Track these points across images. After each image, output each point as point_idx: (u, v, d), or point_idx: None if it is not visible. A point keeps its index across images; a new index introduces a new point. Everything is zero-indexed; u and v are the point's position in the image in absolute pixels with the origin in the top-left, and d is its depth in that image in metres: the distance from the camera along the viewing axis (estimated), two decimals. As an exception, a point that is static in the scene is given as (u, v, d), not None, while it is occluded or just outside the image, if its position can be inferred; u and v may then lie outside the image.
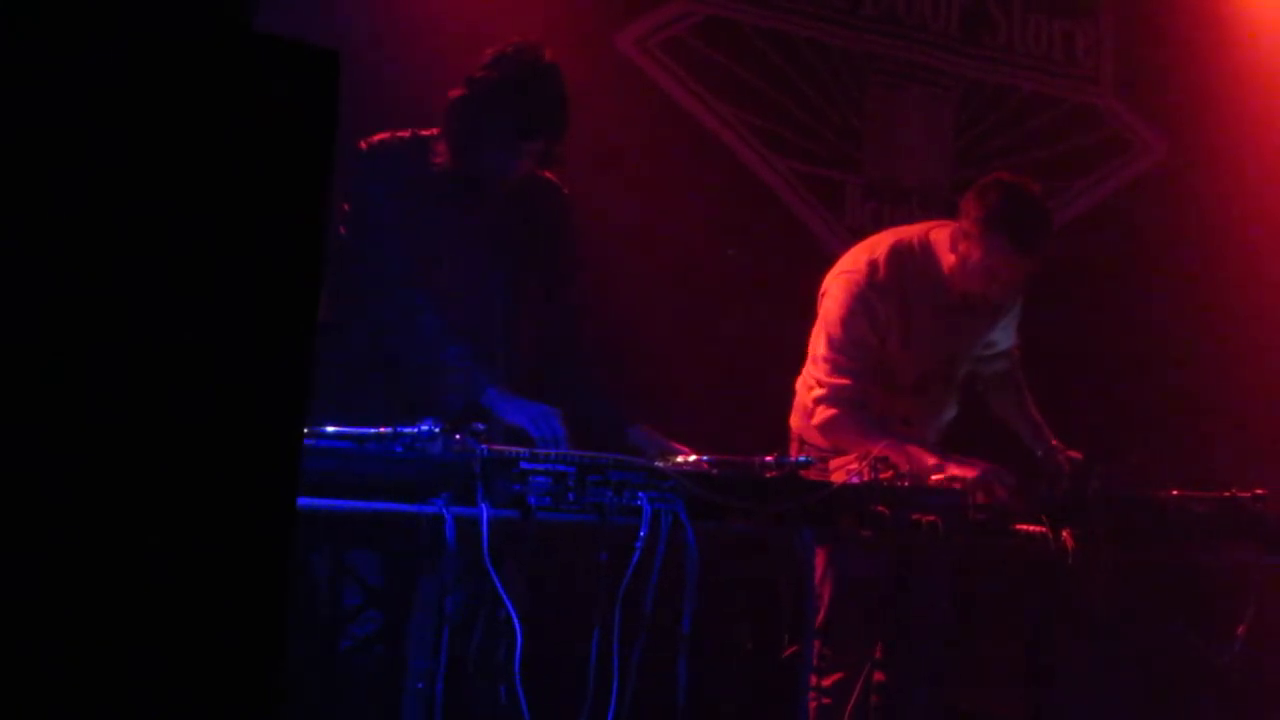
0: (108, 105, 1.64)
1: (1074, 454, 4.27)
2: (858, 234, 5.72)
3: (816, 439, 4.25)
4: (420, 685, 3.02)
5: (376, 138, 3.83)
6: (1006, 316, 4.50)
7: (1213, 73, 6.43)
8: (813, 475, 3.59)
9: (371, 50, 4.35)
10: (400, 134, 3.85)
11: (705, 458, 3.48)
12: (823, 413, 4.21)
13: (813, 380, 4.27)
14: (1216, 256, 6.23)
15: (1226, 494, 4.08)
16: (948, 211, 4.57)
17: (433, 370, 3.64)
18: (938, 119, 6.13)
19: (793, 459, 3.62)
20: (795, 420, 4.39)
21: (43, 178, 1.60)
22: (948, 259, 4.25)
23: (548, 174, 3.97)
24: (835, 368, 4.21)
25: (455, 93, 3.80)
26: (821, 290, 4.38)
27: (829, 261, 4.61)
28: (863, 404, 4.18)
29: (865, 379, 4.21)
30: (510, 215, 3.91)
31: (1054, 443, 4.36)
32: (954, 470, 3.80)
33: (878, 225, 5.86)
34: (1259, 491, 4.09)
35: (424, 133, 3.85)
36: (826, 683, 4.13)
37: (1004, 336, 4.56)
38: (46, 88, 1.60)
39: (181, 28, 1.70)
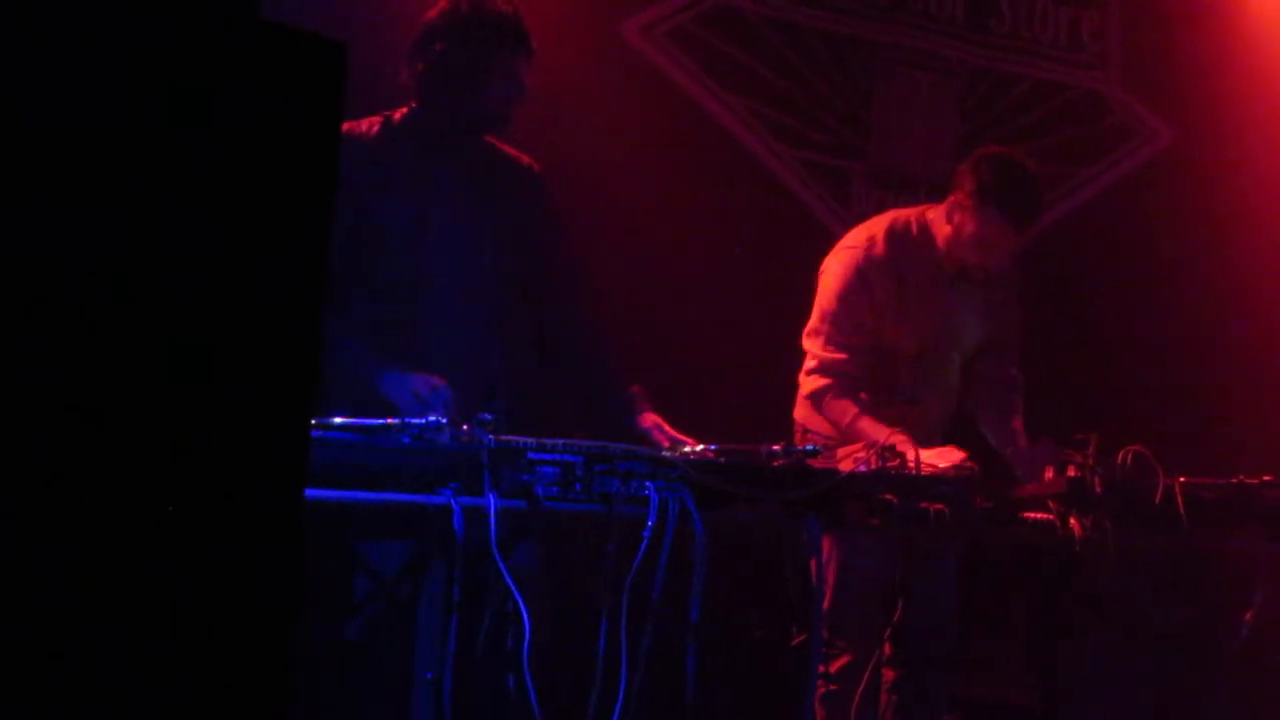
0: (110, 96, 1.64)
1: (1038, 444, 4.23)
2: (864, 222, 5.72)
3: (821, 427, 4.26)
4: (429, 675, 3.03)
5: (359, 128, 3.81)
6: (999, 299, 4.50)
7: (1219, 59, 6.41)
8: (820, 464, 3.59)
9: (376, 40, 4.34)
10: (363, 123, 3.83)
11: (712, 447, 3.48)
12: (814, 382, 4.26)
13: (809, 350, 4.31)
14: (1222, 243, 6.22)
15: (1235, 480, 4.07)
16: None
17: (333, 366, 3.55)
18: (944, 107, 6.12)
19: (800, 448, 3.62)
20: (799, 412, 4.40)
21: (44, 171, 1.60)
22: (943, 232, 4.33)
23: (524, 157, 3.96)
24: (829, 341, 4.27)
25: (440, 45, 3.77)
26: (821, 270, 4.42)
27: (834, 250, 4.61)
28: (854, 380, 4.22)
29: (859, 355, 4.25)
30: (493, 201, 3.88)
31: (1022, 443, 4.37)
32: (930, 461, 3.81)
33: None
34: (1267, 478, 4.08)
35: (397, 116, 3.84)
36: (832, 669, 4.14)
37: (1003, 328, 4.55)
38: (48, 79, 1.60)
39: (187, 17, 1.70)
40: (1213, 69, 6.38)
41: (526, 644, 3.03)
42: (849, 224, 5.66)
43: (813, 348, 4.31)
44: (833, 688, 4.13)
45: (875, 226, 4.41)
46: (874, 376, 4.28)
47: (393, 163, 3.77)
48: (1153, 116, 6.48)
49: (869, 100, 5.97)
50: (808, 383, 4.29)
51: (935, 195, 4.79)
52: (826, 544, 4.09)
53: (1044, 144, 6.19)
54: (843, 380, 4.23)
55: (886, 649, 4.16)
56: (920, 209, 4.46)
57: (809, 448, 3.62)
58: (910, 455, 3.65)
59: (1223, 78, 6.39)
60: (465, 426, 3.05)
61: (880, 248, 4.31)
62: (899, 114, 6.02)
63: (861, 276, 4.28)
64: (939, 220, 4.35)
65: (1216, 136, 6.34)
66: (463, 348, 3.75)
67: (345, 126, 3.76)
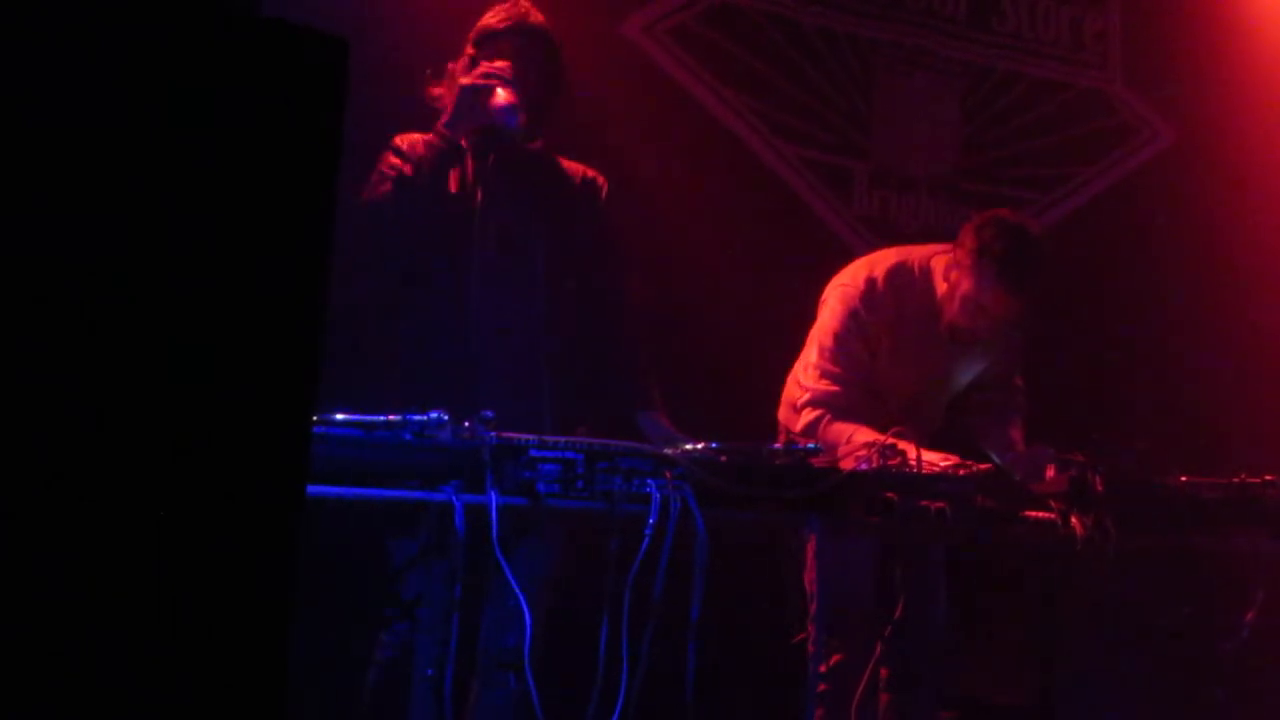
0: (111, 93, 1.64)
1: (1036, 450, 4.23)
2: (865, 221, 5.73)
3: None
4: (430, 672, 3.02)
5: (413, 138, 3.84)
6: (999, 351, 4.48)
7: (1221, 58, 6.41)
8: (821, 463, 3.59)
9: (378, 37, 4.33)
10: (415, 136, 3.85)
11: (714, 444, 3.47)
12: (807, 415, 4.24)
13: (803, 384, 4.30)
14: (1225, 243, 6.22)
15: (1236, 480, 4.07)
16: (954, 197, 4.56)
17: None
18: (945, 106, 6.11)
19: (801, 446, 3.62)
20: (783, 414, 4.40)
21: (44, 171, 1.60)
22: (940, 288, 4.29)
23: (590, 171, 3.98)
24: (824, 374, 4.25)
25: (467, 57, 3.83)
26: (821, 298, 4.41)
27: (836, 249, 4.62)
28: (847, 411, 4.20)
29: (853, 389, 4.24)
30: (542, 211, 3.88)
31: (1019, 448, 4.37)
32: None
33: (885, 212, 5.86)
34: (1268, 478, 4.08)
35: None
36: (826, 667, 4.14)
37: (998, 371, 4.54)
38: (48, 79, 1.60)
39: (187, 12, 1.70)
40: (1215, 68, 6.38)
41: (528, 642, 3.02)
42: (850, 222, 5.69)
43: (807, 380, 4.29)
44: (828, 686, 4.13)
45: (877, 266, 4.34)
46: (862, 410, 4.25)
47: (440, 175, 3.77)
48: (1155, 116, 6.48)
49: (871, 98, 5.97)
50: (802, 415, 4.25)
51: (935, 194, 4.80)
52: (822, 542, 4.10)
53: (1046, 143, 6.20)
54: (835, 411, 4.20)
55: (878, 647, 4.15)
56: (928, 252, 4.39)
57: (810, 446, 3.62)
58: (911, 453, 3.65)
59: (1225, 77, 6.39)
60: (467, 424, 3.05)
61: (879, 291, 4.27)
62: (901, 112, 6.02)
63: (856, 317, 4.27)
64: (939, 272, 4.30)
65: (1219, 136, 6.35)
66: (509, 362, 3.74)
67: (396, 140, 3.80)
